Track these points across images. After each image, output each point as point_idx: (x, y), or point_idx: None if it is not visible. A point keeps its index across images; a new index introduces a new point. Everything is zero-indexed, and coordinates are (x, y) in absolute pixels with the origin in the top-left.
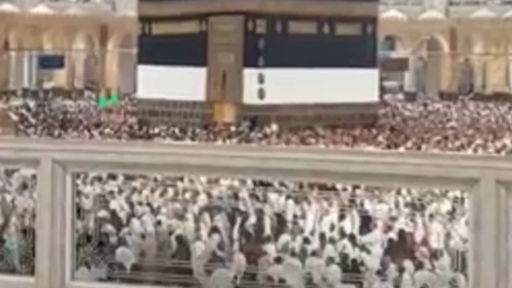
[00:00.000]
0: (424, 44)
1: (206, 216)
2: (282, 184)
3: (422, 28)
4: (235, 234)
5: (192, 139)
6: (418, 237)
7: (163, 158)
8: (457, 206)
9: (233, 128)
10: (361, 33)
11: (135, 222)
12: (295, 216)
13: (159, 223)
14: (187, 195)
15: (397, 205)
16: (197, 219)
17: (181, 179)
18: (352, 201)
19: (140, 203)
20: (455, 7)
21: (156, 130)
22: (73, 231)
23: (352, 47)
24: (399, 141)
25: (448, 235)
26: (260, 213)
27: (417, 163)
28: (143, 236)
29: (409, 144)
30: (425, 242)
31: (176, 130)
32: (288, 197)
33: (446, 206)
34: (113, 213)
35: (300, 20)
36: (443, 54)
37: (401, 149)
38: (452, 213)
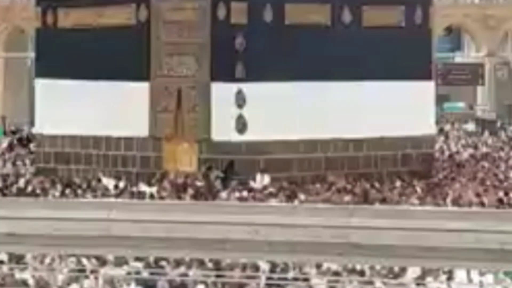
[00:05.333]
0: (510, 41)
1: None
2: None
3: (506, 14)
4: None
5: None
6: None
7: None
8: None
9: (196, 182)
10: (406, 23)
11: None
12: None
13: None
14: None
15: None
16: None
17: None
18: None
19: None
20: None
21: (66, 187)
22: None
23: (391, 46)
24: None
25: None
26: None
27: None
28: None
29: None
30: None
31: (101, 185)
32: None
33: None
34: None
35: (303, 2)
36: None
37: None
38: None
